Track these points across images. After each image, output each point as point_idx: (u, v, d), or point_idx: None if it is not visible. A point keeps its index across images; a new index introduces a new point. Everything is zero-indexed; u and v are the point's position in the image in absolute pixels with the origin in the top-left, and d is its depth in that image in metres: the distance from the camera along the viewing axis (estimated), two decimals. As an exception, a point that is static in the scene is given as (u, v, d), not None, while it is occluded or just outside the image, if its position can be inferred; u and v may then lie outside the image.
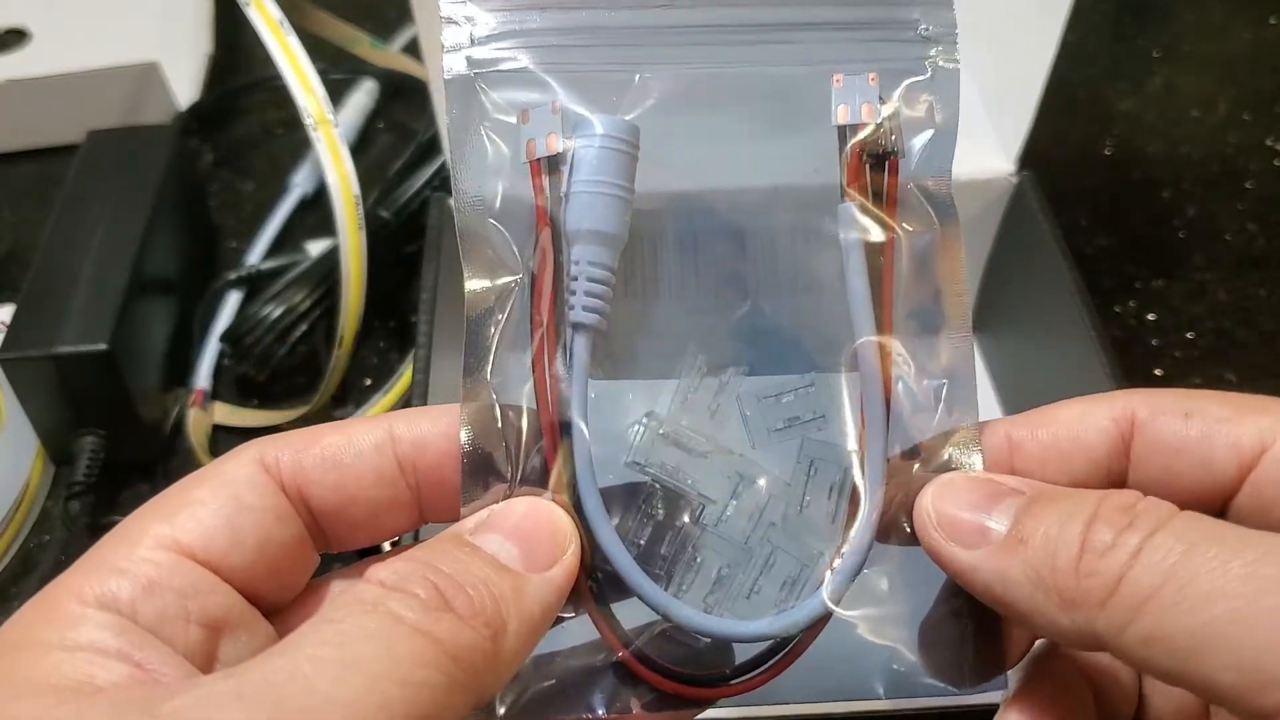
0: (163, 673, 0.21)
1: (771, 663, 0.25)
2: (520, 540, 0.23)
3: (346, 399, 0.54)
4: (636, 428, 0.26)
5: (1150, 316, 0.56)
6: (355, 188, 0.49)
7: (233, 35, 0.72)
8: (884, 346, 0.25)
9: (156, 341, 0.52)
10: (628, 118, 0.25)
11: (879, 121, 0.25)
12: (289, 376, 0.54)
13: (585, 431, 0.25)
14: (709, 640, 0.25)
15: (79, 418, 0.49)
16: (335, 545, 0.25)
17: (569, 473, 0.24)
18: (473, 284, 0.25)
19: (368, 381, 0.55)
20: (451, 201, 0.25)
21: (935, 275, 0.26)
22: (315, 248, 0.57)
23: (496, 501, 0.24)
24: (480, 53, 0.25)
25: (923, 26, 0.26)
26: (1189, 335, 0.55)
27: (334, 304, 0.51)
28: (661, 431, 0.26)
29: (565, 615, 0.24)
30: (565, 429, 0.24)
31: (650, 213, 0.26)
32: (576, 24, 0.26)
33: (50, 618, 0.21)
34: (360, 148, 0.65)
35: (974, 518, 0.23)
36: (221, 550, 0.23)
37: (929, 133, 0.26)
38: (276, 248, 0.60)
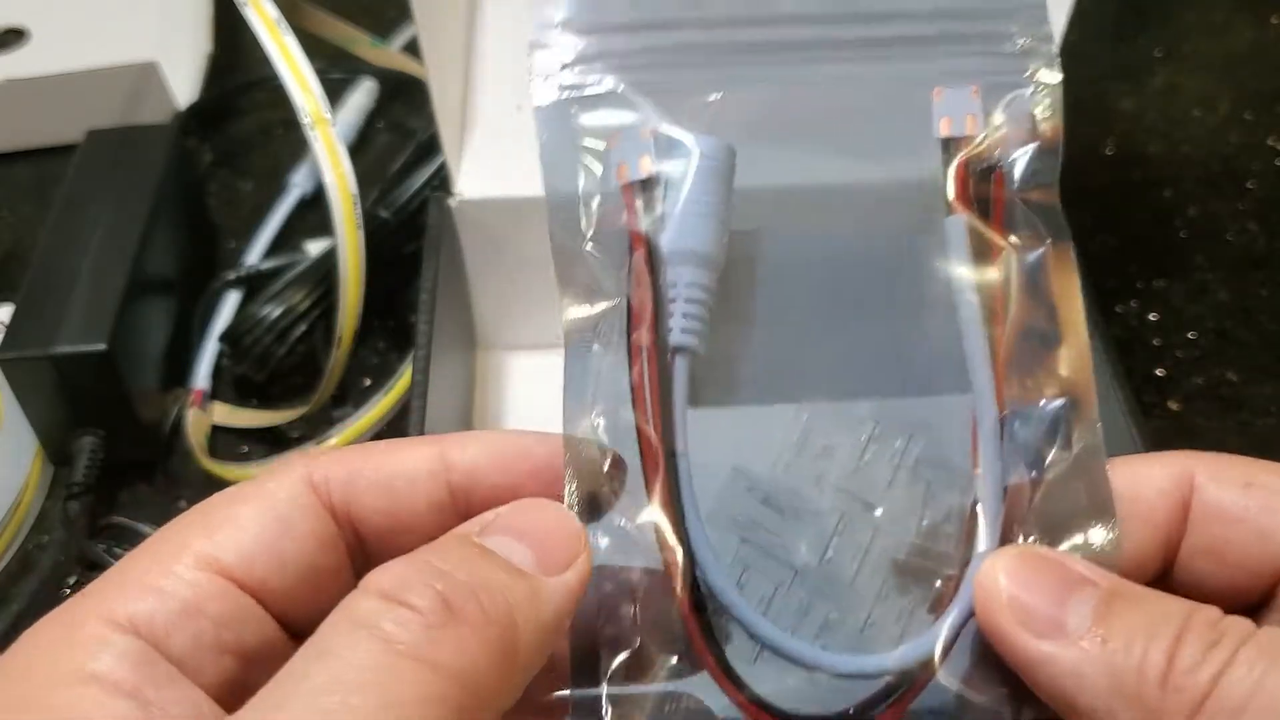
0: (172, 715, 0.20)
1: (893, 699, 0.23)
2: (533, 541, 0.22)
3: (345, 399, 0.54)
4: (722, 484, 0.25)
5: (1151, 316, 0.56)
6: (353, 187, 0.49)
7: (232, 35, 0.71)
8: (998, 366, 0.24)
9: (155, 342, 0.52)
10: (721, 138, 0.25)
11: (983, 134, 0.25)
12: (288, 377, 0.54)
13: (688, 463, 0.24)
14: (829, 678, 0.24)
15: (78, 418, 0.49)
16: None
17: (674, 508, 0.23)
18: (571, 312, 0.24)
19: (367, 381, 0.54)
20: (551, 224, 0.25)
21: (1048, 291, 0.25)
22: (315, 247, 0.57)
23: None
24: (570, 77, 0.25)
25: (1020, 40, 0.25)
26: (1190, 335, 0.55)
27: (333, 304, 0.51)
28: (749, 489, 0.25)
29: (677, 668, 0.23)
30: (669, 460, 0.24)
31: (747, 234, 0.25)
32: (667, 44, 0.25)
33: (72, 640, 0.20)
34: (359, 147, 0.65)
35: (1049, 607, 0.22)
36: (263, 575, 0.22)
37: (1033, 145, 0.25)
38: (275, 248, 0.60)
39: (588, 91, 0.25)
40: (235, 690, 0.21)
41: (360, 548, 0.24)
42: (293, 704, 0.18)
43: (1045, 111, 0.25)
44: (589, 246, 0.25)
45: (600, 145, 0.25)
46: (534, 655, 0.21)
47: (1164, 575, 0.24)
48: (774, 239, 0.26)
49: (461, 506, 0.24)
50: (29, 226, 0.62)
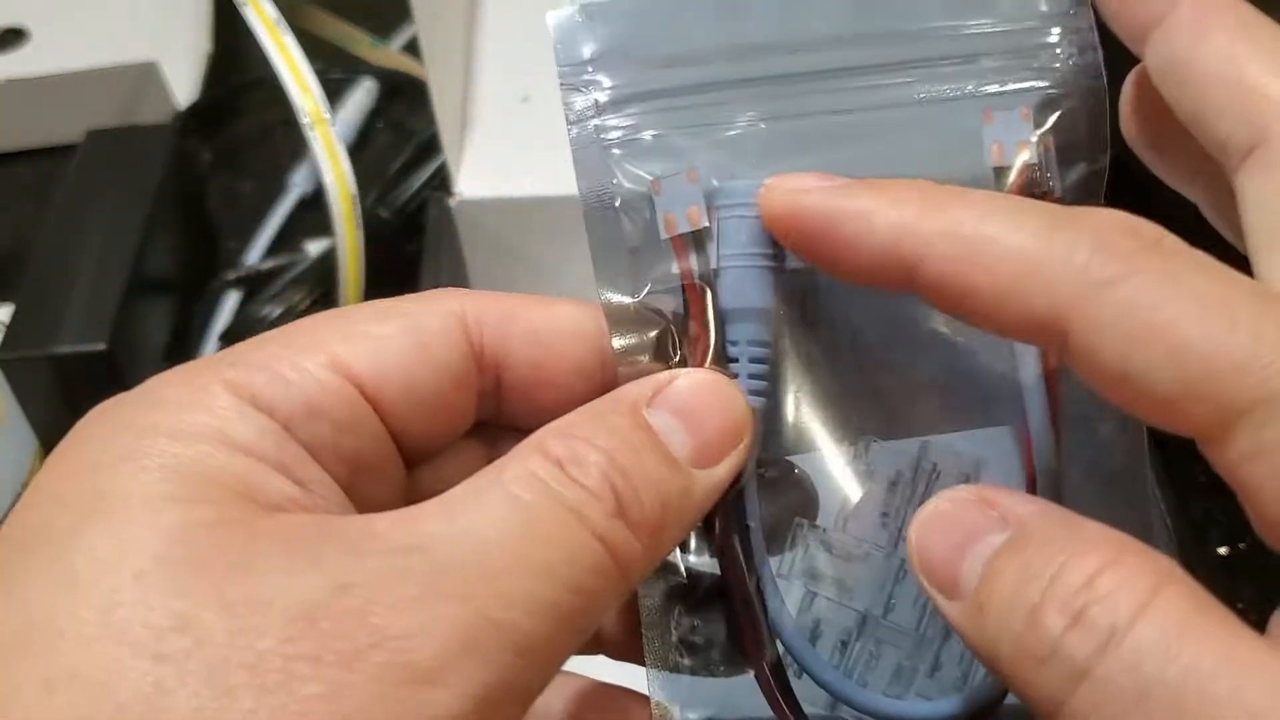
0: (325, 499, 0.20)
1: None
2: (694, 428, 0.21)
3: (345, 399, 0.54)
4: (789, 538, 0.24)
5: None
6: (352, 187, 0.49)
7: (232, 35, 0.71)
8: (1052, 393, 0.24)
9: (155, 342, 0.52)
10: (770, 176, 0.23)
11: (1035, 160, 0.24)
12: (288, 376, 0.54)
13: (760, 532, 0.23)
14: None
15: (78, 418, 0.48)
16: (504, 417, 0.24)
17: (748, 568, 0.23)
18: (628, 374, 0.23)
19: (367, 381, 0.54)
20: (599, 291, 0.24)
21: None
22: (315, 247, 0.57)
23: None
24: (606, 120, 0.24)
25: (1061, 50, 0.24)
26: (1190, 335, 0.55)
27: (333, 304, 0.51)
28: (813, 539, 0.24)
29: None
30: (741, 530, 0.23)
31: (797, 272, 0.24)
32: (705, 80, 0.24)
33: (202, 404, 0.19)
34: (359, 147, 0.65)
35: (950, 562, 0.19)
36: (392, 395, 0.21)
37: (1082, 165, 0.24)
38: (275, 248, 0.60)
39: (626, 135, 0.24)
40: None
41: (495, 394, 0.23)
42: (483, 532, 0.18)
43: (1090, 126, 0.24)
44: (640, 302, 0.24)
45: (644, 192, 0.24)
46: (672, 546, 0.21)
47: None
48: (822, 276, 0.24)
49: (610, 374, 0.23)
50: (28, 226, 0.62)
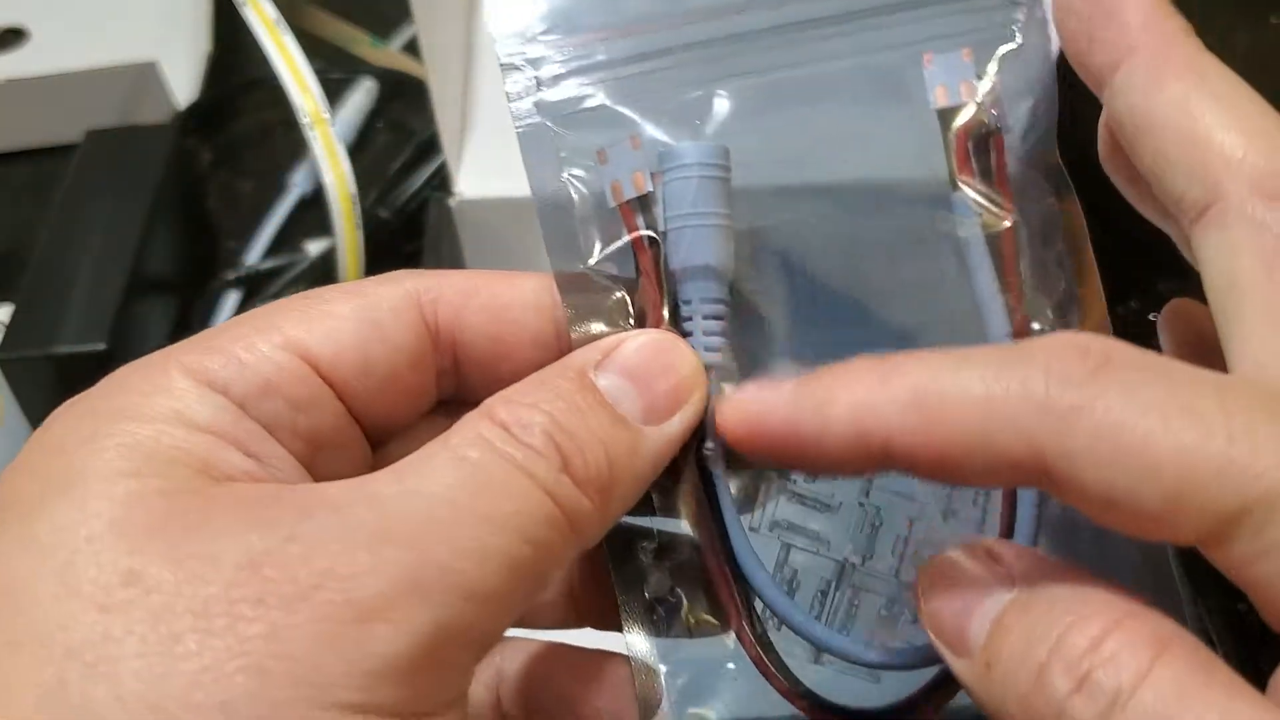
0: (281, 471, 0.21)
1: (940, 688, 0.23)
2: (644, 387, 0.22)
3: (345, 399, 0.53)
4: (760, 491, 0.24)
5: (1153, 317, 0.56)
6: (352, 187, 0.49)
7: (232, 35, 0.71)
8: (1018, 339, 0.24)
9: (155, 342, 0.52)
10: (714, 139, 0.24)
11: (980, 99, 0.24)
12: (288, 377, 0.54)
13: (727, 480, 0.24)
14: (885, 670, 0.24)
15: (77, 418, 0.48)
16: (466, 392, 0.24)
17: (718, 525, 0.23)
18: (581, 341, 0.23)
19: (367, 382, 0.54)
20: (550, 263, 0.24)
21: (1063, 256, 0.24)
22: (315, 247, 0.57)
23: None
24: (548, 95, 0.24)
25: None
26: (1190, 335, 0.55)
27: (333, 304, 0.51)
28: (786, 491, 0.24)
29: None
30: (708, 482, 0.23)
31: (749, 232, 0.25)
32: (646, 49, 0.24)
33: (160, 387, 0.20)
34: (359, 147, 0.65)
35: (956, 618, 0.19)
36: (348, 374, 0.22)
37: (1029, 101, 0.24)
38: (275, 248, 0.60)
39: (569, 109, 0.24)
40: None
41: (454, 371, 0.24)
42: (432, 492, 0.19)
43: (1036, 63, 0.24)
44: (591, 270, 0.24)
45: (589, 163, 0.24)
46: (626, 503, 0.22)
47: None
48: (776, 234, 0.25)
49: (565, 343, 0.24)
50: (28, 226, 0.62)
